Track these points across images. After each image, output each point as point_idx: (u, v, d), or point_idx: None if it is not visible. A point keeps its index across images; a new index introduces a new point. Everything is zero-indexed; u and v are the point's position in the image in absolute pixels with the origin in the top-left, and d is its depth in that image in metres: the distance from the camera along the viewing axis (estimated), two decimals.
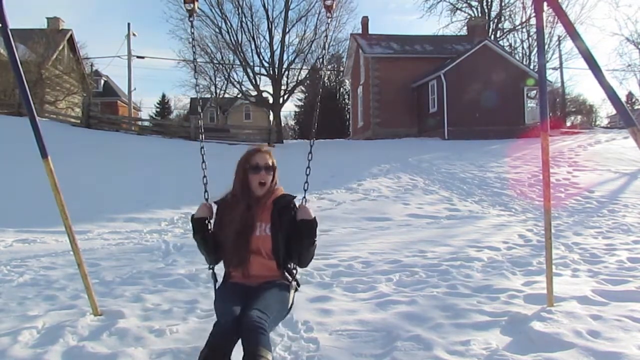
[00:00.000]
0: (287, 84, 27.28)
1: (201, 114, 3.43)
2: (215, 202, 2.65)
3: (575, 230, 7.41)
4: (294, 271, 2.62)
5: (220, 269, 2.68)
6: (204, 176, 2.81)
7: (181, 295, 4.35)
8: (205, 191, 2.77)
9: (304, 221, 2.52)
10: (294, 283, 2.58)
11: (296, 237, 2.52)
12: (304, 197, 2.64)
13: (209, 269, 2.68)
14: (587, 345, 2.83)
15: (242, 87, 28.45)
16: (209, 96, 41.17)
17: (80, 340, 3.24)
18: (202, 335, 3.34)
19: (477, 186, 12.19)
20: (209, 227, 2.61)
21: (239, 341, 2.19)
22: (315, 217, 2.55)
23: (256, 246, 2.47)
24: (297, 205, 2.59)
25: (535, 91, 23.00)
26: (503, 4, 34.21)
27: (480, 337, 3.10)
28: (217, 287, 2.61)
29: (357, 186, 12.23)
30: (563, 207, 9.58)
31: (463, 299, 3.93)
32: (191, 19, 3.34)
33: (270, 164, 2.56)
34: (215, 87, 38.52)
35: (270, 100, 26.51)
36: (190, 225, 2.64)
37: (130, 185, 11.69)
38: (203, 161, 2.88)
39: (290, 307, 2.53)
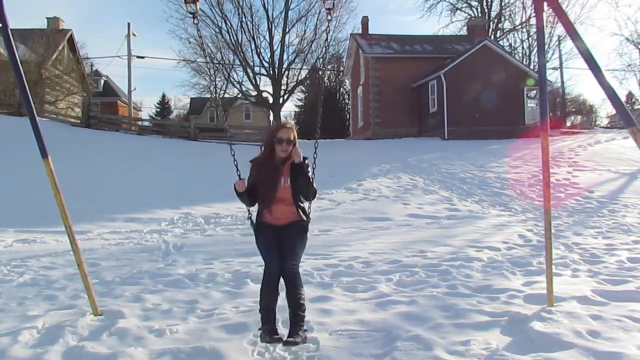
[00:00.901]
0: (287, 84, 27.29)
1: (218, 99, 3.66)
2: (250, 161, 3.42)
3: (575, 230, 7.41)
4: (308, 210, 3.40)
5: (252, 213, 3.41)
6: (234, 159, 3.44)
7: (181, 295, 4.35)
8: (237, 169, 3.46)
9: (298, 163, 3.28)
10: (308, 219, 3.38)
11: (305, 187, 3.28)
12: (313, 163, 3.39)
13: (248, 217, 3.46)
14: (587, 345, 2.84)
15: (242, 87, 28.48)
16: (209, 96, 41.17)
17: (80, 340, 3.25)
18: (202, 335, 3.35)
19: (477, 186, 12.19)
20: (246, 192, 3.35)
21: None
22: (301, 160, 3.27)
23: (281, 194, 3.28)
24: (307, 164, 3.32)
25: (535, 91, 23.00)
26: (503, 4, 34.23)
27: (480, 337, 3.11)
28: (255, 229, 3.36)
29: (357, 186, 12.23)
30: (563, 207, 9.58)
31: (463, 299, 3.93)
32: (195, 21, 3.41)
33: (292, 138, 3.29)
34: (215, 87, 38.49)
35: (270, 100, 26.51)
36: (236, 195, 3.36)
37: (130, 185, 11.70)
38: (232, 149, 3.55)
39: (306, 239, 3.34)
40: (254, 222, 3.42)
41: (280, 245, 3.18)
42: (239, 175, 3.43)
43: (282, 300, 3.11)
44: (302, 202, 3.39)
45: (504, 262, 5.35)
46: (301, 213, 3.36)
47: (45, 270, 5.46)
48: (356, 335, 3.28)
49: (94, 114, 21.21)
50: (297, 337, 2.90)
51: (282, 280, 3.11)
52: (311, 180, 3.33)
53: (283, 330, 3.18)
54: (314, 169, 3.42)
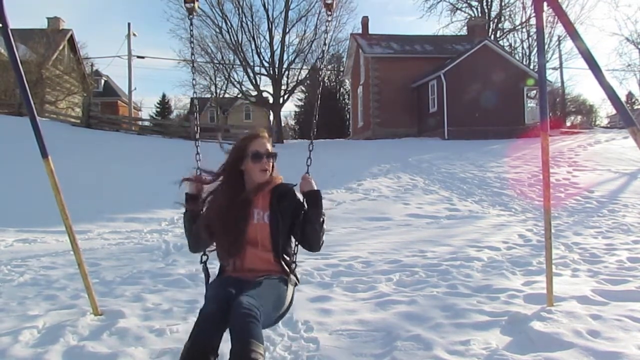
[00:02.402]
0: (287, 84, 27.29)
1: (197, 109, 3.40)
2: (185, 193, 2.52)
3: (575, 230, 7.41)
4: (293, 265, 2.41)
5: (212, 264, 2.54)
6: (197, 153, 2.75)
7: (181, 295, 4.35)
8: (198, 168, 2.60)
9: (309, 192, 2.36)
10: (292, 278, 2.36)
11: (299, 223, 2.35)
12: (307, 171, 2.49)
13: (201, 262, 2.50)
14: (587, 345, 2.84)
15: (242, 87, 28.48)
16: (209, 96, 41.18)
17: (81, 340, 3.25)
18: None
19: (477, 186, 12.19)
20: (200, 199, 2.44)
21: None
22: (319, 190, 2.38)
23: (253, 235, 2.29)
24: (296, 193, 2.42)
25: (535, 91, 23.01)
26: (503, 4, 34.25)
27: (480, 337, 3.11)
28: (208, 282, 2.42)
29: (357, 186, 12.23)
30: (563, 207, 9.58)
31: (463, 299, 3.93)
32: (191, 16, 3.31)
33: (271, 150, 2.40)
34: (216, 86, 38.54)
35: (270, 100, 26.50)
36: (184, 200, 2.50)
37: (130, 185, 11.69)
38: (197, 137, 2.84)
39: (290, 304, 2.34)
40: (208, 271, 2.47)
41: (239, 290, 2.12)
42: (198, 171, 2.53)
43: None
44: (288, 255, 2.37)
45: (504, 262, 5.35)
46: (283, 266, 2.33)
47: (45, 270, 5.46)
48: (356, 335, 3.28)
49: (94, 114, 21.23)
50: None
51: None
52: (323, 214, 2.34)
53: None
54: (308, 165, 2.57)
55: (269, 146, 2.40)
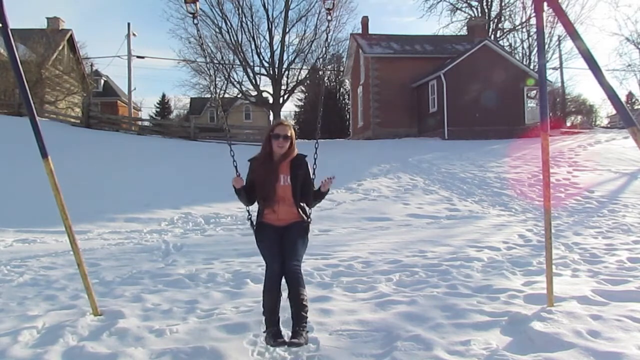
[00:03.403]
0: (287, 83, 27.30)
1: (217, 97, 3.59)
2: (249, 160, 3.38)
3: (575, 230, 7.41)
4: (308, 210, 3.36)
5: (253, 213, 3.35)
6: (232, 157, 3.40)
7: (181, 295, 4.35)
8: (236, 168, 3.36)
9: (321, 192, 3.34)
10: (309, 220, 3.33)
11: (307, 187, 3.29)
12: (333, 176, 3.35)
13: (248, 218, 3.38)
14: (587, 345, 2.84)
15: (242, 87, 28.48)
16: (209, 96, 41.17)
17: (80, 340, 3.25)
18: (202, 335, 3.35)
19: (477, 186, 12.19)
20: (244, 188, 3.30)
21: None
22: (328, 189, 3.36)
23: (281, 192, 3.23)
24: (307, 162, 3.33)
25: (535, 91, 23.00)
26: (503, 4, 34.23)
27: (480, 337, 3.11)
28: (255, 230, 3.31)
29: (357, 186, 12.24)
30: (563, 207, 9.58)
31: (463, 299, 3.93)
32: (195, 21, 3.40)
33: (289, 134, 3.26)
34: (215, 86, 38.51)
35: (270, 100, 26.51)
36: (234, 192, 3.30)
37: (130, 185, 11.69)
38: (231, 150, 3.51)
39: (308, 239, 3.30)
40: (254, 222, 3.38)
41: (282, 246, 3.14)
42: (238, 173, 3.38)
43: (284, 300, 3.08)
44: (302, 201, 3.35)
45: (504, 262, 5.35)
46: (301, 213, 3.32)
47: (45, 270, 5.46)
48: (356, 335, 3.28)
49: (94, 114, 21.22)
50: (301, 338, 2.88)
51: (284, 281, 3.09)
52: (313, 184, 3.34)
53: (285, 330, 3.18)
54: (314, 169, 3.39)
55: (287, 131, 3.28)
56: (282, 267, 3.06)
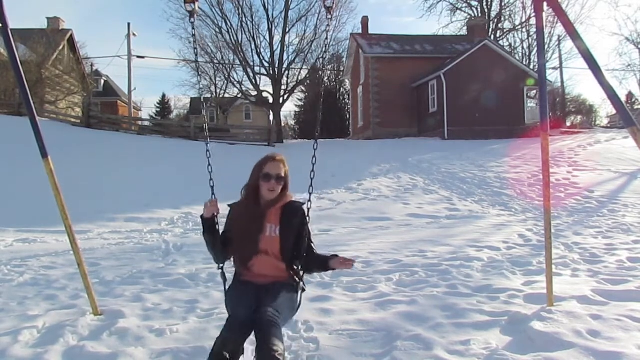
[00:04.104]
0: (287, 83, 27.28)
1: (205, 114, 3.43)
2: (229, 205, 2.79)
3: (575, 230, 7.41)
4: (301, 272, 2.74)
5: (230, 269, 2.80)
6: (210, 179, 2.95)
7: (181, 295, 4.35)
8: (212, 189, 2.91)
9: (329, 265, 2.70)
10: (301, 284, 2.71)
11: (300, 244, 2.69)
12: (354, 260, 2.75)
13: (219, 268, 2.78)
14: (587, 345, 2.84)
15: (242, 87, 28.48)
16: (209, 96, 41.18)
17: (81, 340, 3.25)
18: (202, 335, 3.35)
19: (477, 186, 12.20)
20: (217, 224, 2.72)
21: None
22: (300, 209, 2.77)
23: (265, 247, 2.62)
24: (304, 212, 2.77)
25: (535, 91, 23.00)
26: (503, 4, 34.25)
27: (480, 337, 3.11)
28: (227, 287, 2.74)
29: (357, 186, 12.24)
30: (563, 207, 9.58)
31: (463, 299, 3.93)
32: (192, 20, 3.34)
33: (283, 174, 2.69)
34: (216, 87, 38.55)
35: (270, 100, 26.50)
36: (201, 224, 2.74)
37: (130, 185, 11.70)
38: (209, 164, 3.02)
39: (297, 308, 2.68)
40: (226, 277, 2.78)
41: (258, 299, 2.45)
42: (213, 197, 2.82)
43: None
44: (296, 265, 2.71)
45: (504, 262, 5.35)
46: (291, 273, 2.67)
47: (45, 270, 5.46)
48: (356, 335, 3.28)
49: (94, 113, 21.24)
50: None
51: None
52: (312, 242, 2.74)
53: None
54: (312, 178, 2.90)
55: (281, 169, 2.69)
56: (249, 314, 2.35)
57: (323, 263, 2.69)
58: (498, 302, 3.85)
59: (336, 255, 2.69)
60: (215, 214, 2.69)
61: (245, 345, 2.37)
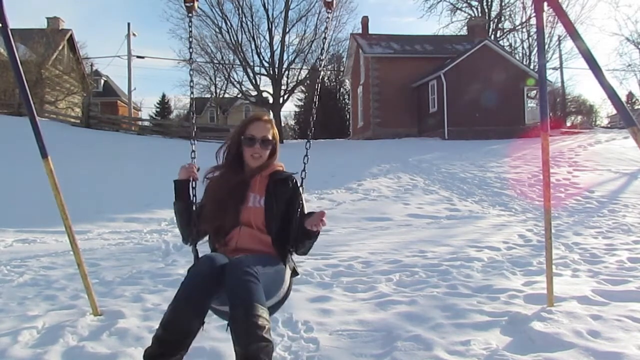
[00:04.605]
0: (287, 83, 27.31)
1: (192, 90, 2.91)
2: (206, 177, 2.42)
3: (575, 230, 7.41)
4: (291, 249, 2.27)
5: (203, 247, 2.38)
6: (192, 145, 2.58)
7: None
8: (193, 154, 2.52)
9: (310, 231, 2.15)
10: (290, 262, 2.26)
11: (293, 218, 2.23)
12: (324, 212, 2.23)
13: (189, 244, 2.32)
14: (587, 345, 2.83)
15: (242, 87, 28.48)
16: (209, 96, 41.21)
17: (80, 340, 3.24)
18: (202, 335, 3.34)
19: (477, 186, 12.19)
20: (194, 192, 2.36)
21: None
22: (293, 179, 2.35)
23: (247, 218, 2.21)
24: (296, 181, 2.34)
25: (535, 91, 23.00)
26: (503, 4, 34.27)
27: (480, 337, 3.10)
28: (196, 256, 2.29)
29: (357, 186, 12.23)
30: (563, 207, 9.58)
31: (463, 299, 3.93)
32: (190, 14, 3.25)
33: (270, 136, 2.30)
34: (215, 87, 38.56)
35: (270, 100, 26.51)
36: (173, 189, 2.40)
37: (131, 185, 11.69)
38: (193, 137, 2.67)
39: (288, 291, 2.23)
40: (198, 253, 2.31)
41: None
42: (193, 161, 2.49)
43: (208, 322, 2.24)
44: (284, 241, 2.24)
45: (504, 262, 5.34)
46: (279, 249, 2.22)
47: (45, 270, 5.46)
48: (356, 335, 3.28)
49: (94, 114, 21.24)
50: None
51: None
52: (303, 214, 2.23)
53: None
54: (302, 184, 2.35)
55: (266, 131, 2.31)
56: (219, 264, 1.96)
57: (306, 233, 2.15)
58: (498, 302, 3.85)
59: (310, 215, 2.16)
60: (192, 179, 2.36)
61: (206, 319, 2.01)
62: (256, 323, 1.72)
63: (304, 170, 2.35)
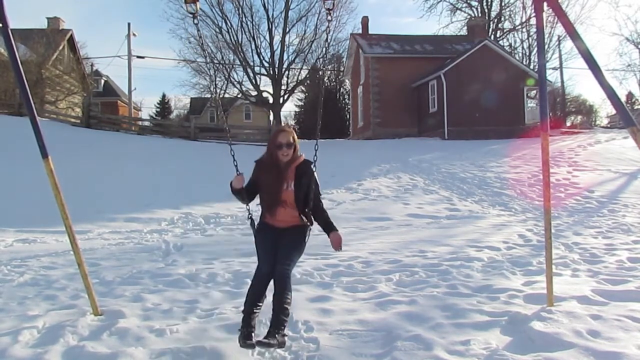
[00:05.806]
0: (287, 84, 27.30)
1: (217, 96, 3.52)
2: (255, 161, 3.44)
3: (575, 230, 7.41)
4: (310, 213, 3.37)
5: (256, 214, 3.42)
6: (233, 157, 3.49)
7: (181, 295, 4.36)
8: (237, 168, 3.44)
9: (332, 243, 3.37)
10: (309, 226, 3.36)
11: (310, 194, 3.33)
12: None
13: (248, 213, 3.47)
14: (587, 345, 2.84)
15: (242, 87, 28.48)
16: (210, 96, 41.20)
17: (81, 340, 3.25)
18: (202, 335, 3.35)
19: (477, 186, 12.19)
20: (243, 189, 3.37)
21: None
22: (309, 166, 3.39)
23: (284, 198, 3.29)
24: (313, 170, 3.36)
25: (535, 91, 22.99)
26: (503, 4, 34.24)
27: (480, 337, 3.11)
28: (255, 229, 3.42)
29: (357, 186, 12.23)
30: (563, 207, 9.58)
31: (463, 299, 3.93)
32: (195, 21, 3.39)
33: (292, 140, 3.32)
34: (216, 86, 38.52)
35: (270, 100, 26.52)
36: (230, 188, 3.36)
37: (131, 185, 11.69)
38: (231, 149, 3.59)
39: (305, 244, 3.33)
40: (255, 222, 3.45)
41: (277, 248, 3.21)
42: (239, 172, 3.42)
43: (268, 306, 3.07)
44: (306, 207, 3.36)
45: (504, 262, 5.35)
46: (303, 217, 3.35)
47: (45, 270, 5.46)
48: (356, 335, 3.28)
49: (94, 114, 21.25)
50: (273, 339, 2.87)
51: (272, 285, 3.11)
52: (319, 195, 3.39)
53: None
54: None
55: (289, 137, 3.33)
56: (271, 270, 3.13)
57: (325, 228, 3.38)
58: (498, 302, 3.85)
59: (335, 231, 3.35)
60: (242, 186, 3.33)
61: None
62: (286, 299, 3.04)
63: (315, 161, 3.43)
